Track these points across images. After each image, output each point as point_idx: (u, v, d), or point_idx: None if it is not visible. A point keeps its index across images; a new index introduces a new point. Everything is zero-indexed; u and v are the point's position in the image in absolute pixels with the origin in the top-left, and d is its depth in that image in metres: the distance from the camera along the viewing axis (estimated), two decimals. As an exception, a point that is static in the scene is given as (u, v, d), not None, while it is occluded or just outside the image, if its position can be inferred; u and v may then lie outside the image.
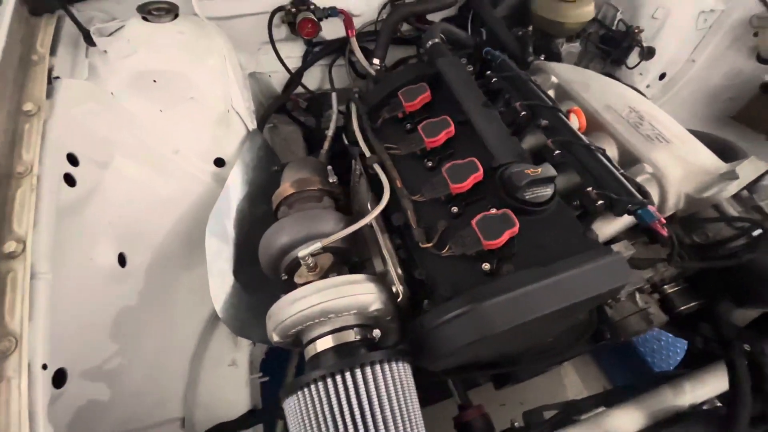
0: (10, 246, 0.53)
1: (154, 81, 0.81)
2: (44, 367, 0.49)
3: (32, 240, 0.54)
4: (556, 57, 1.08)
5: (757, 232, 0.65)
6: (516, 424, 0.85)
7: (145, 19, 0.83)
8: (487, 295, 0.54)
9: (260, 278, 0.79)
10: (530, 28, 1.03)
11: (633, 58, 1.20)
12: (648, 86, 1.27)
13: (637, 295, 0.74)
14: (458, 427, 0.92)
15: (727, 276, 0.75)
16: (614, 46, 1.22)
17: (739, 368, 0.71)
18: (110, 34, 0.82)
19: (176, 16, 0.85)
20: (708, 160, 0.72)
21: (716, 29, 1.19)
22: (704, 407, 0.85)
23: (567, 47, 1.09)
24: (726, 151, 0.85)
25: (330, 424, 0.51)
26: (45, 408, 0.47)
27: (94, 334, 0.68)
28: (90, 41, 0.79)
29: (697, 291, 0.80)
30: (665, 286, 0.80)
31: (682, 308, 0.77)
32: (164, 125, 0.84)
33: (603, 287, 0.55)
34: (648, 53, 1.20)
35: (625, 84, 1.22)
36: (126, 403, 0.68)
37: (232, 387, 0.84)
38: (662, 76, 1.28)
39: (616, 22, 1.23)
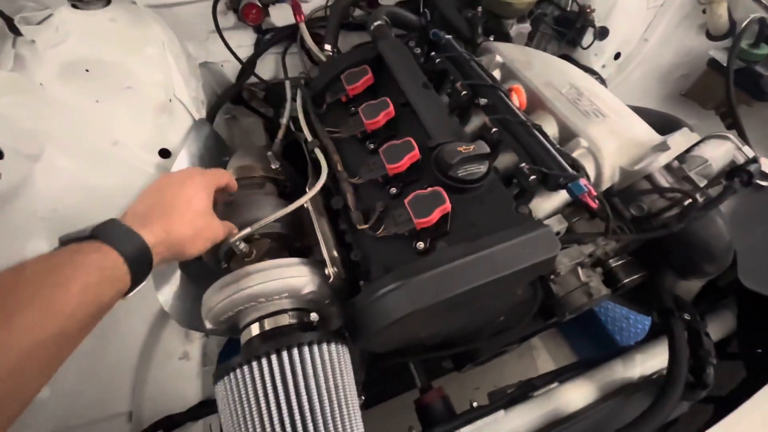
0: None
1: (87, 70, 0.79)
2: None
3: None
4: (506, 38, 1.07)
5: (687, 202, 0.66)
6: (475, 404, 0.86)
7: (74, 6, 0.80)
8: (415, 271, 0.54)
9: (207, 269, 0.78)
10: (479, 9, 1.02)
11: (587, 38, 1.21)
12: (603, 66, 1.28)
13: (579, 270, 0.74)
14: (418, 409, 0.93)
15: (664, 247, 0.76)
16: (568, 27, 1.22)
17: (677, 336, 0.73)
18: (39, 23, 0.80)
19: (108, 2, 0.83)
20: (643, 133, 0.73)
21: (667, 7, 1.20)
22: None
23: (517, 28, 1.09)
24: (672, 126, 0.86)
25: (255, 408, 0.50)
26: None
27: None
28: (15, 30, 0.76)
29: (641, 264, 0.81)
30: (610, 261, 0.81)
31: (626, 281, 0.78)
32: (101, 116, 0.81)
33: (530, 259, 0.55)
34: (601, 33, 1.21)
35: (579, 64, 1.24)
36: (63, 400, 0.67)
37: (183, 380, 0.83)
38: (617, 56, 1.28)
39: (570, 3, 1.23)
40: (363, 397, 0.73)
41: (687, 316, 0.76)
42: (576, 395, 0.84)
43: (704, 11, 1.14)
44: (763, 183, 0.85)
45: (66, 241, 0.45)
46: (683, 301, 0.80)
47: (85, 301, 0.38)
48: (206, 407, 0.80)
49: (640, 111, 0.94)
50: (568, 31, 1.23)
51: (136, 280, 0.46)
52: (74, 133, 0.78)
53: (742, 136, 0.95)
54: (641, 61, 1.27)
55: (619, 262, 0.80)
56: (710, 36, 1.13)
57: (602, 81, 1.27)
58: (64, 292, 0.37)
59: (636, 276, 0.79)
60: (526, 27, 1.11)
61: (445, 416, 0.87)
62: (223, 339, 0.97)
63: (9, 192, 0.68)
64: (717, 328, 0.94)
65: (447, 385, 0.96)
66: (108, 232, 0.44)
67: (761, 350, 0.88)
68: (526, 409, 0.82)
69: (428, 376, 0.98)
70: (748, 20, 0.97)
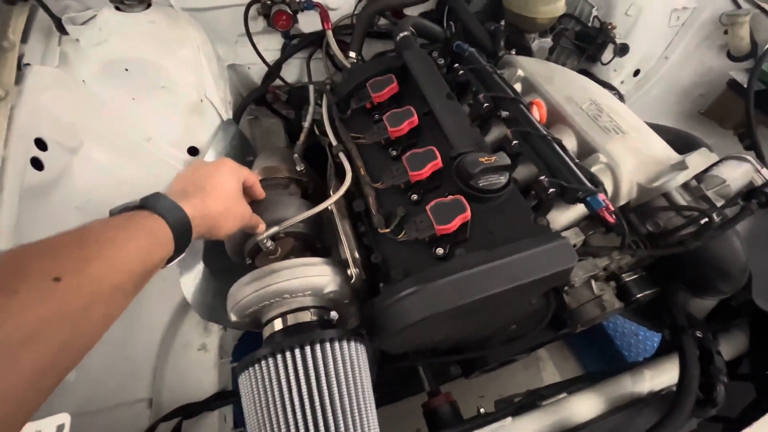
0: (-28, 225, 0.55)
1: (126, 69, 0.83)
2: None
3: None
4: (527, 51, 1.09)
5: (703, 221, 0.67)
6: (482, 410, 0.87)
7: (117, 8, 0.84)
8: (433, 276, 0.56)
9: (229, 264, 0.81)
10: (502, 23, 1.05)
11: (607, 54, 1.22)
12: (622, 82, 1.29)
13: (593, 283, 0.76)
14: (426, 413, 0.94)
15: (679, 265, 0.77)
16: (589, 43, 1.24)
17: (689, 353, 0.74)
18: (83, 23, 0.84)
19: (149, 5, 0.87)
20: (661, 151, 0.74)
21: (688, 27, 1.21)
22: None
23: (539, 42, 1.11)
24: (689, 145, 0.87)
25: (278, 400, 0.53)
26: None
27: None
28: (62, 29, 0.80)
29: (654, 280, 0.82)
30: (623, 275, 0.82)
31: (639, 296, 0.79)
32: (136, 113, 0.85)
33: (546, 270, 0.57)
34: (621, 50, 1.22)
35: (598, 79, 1.25)
36: (87, 384, 0.70)
37: (200, 370, 0.85)
38: (636, 73, 1.29)
39: (591, 19, 1.25)
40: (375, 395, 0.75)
41: (699, 334, 0.77)
42: (584, 407, 0.85)
43: (726, 32, 1.14)
44: (781, 205, 0.86)
45: (117, 211, 0.49)
46: (695, 319, 0.81)
47: (139, 260, 0.42)
48: (221, 398, 0.82)
49: (658, 128, 0.95)
50: (588, 47, 1.25)
51: (179, 249, 0.49)
52: (111, 129, 0.82)
53: (760, 157, 0.96)
54: (660, 79, 1.28)
55: (633, 277, 0.81)
56: (731, 57, 1.14)
57: (620, 97, 1.28)
58: (124, 249, 0.40)
59: (649, 291, 0.79)
60: (548, 41, 1.13)
61: (453, 421, 0.88)
62: (239, 333, 1.00)
63: (50, 182, 0.72)
64: (728, 347, 0.94)
65: (451, 391, 0.97)
66: (156, 203, 0.48)
67: (773, 372, 0.88)
68: (533, 418, 0.83)
69: (436, 381, 1.00)
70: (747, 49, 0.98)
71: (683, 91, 1.26)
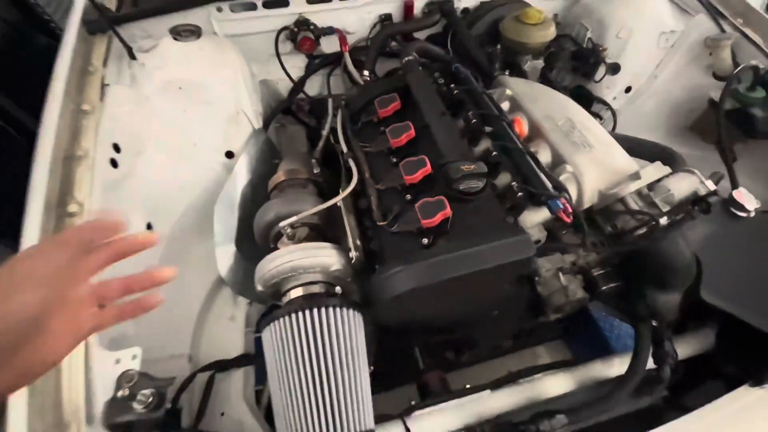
0: (73, 207, 0.74)
1: (180, 88, 1.02)
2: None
3: (88, 204, 0.75)
4: (521, 72, 1.22)
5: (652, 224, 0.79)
6: (468, 386, 1.01)
7: (175, 38, 1.04)
8: (416, 259, 0.71)
9: (256, 248, 0.99)
10: (498, 46, 1.18)
11: (600, 72, 1.34)
12: (615, 98, 1.39)
13: (561, 275, 0.88)
14: (419, 386, 1.09)
15: (639, 262, 0.88)
16: (583, 62, 1.36)
17: (642, 337, 0.85)
18: (147, 51, 1.04)
19: (199, 36, 1.06)
20: (623, 163, 0.87)
21: (676, 48, 1.30)
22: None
23: (531, 64, 1.24)
24: (667, 157, 0.99)
25: (291, 349, 0.69)
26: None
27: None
28: (132, 56, 1.00)
29: (620, 276, 0.94)
30: (592, 270, 0.94)
31: (603, 288, 0.91)
32: (186, 123, 1.04)
33: (506, 258, 0.71)
34: (613, 69, 1.34)
35: (592, 95, 1.37)
36: (143, 339, 0.87)
37: (230, 336, 1.03)
38: (628, 89, 1.40)
39: (586, 41, 1.36)
40: (372, 367, 0.91)
41: (654, 323, 0.88)
42: (554, 386, 0.97)
43: (711, 54, 1.24)
44: (740, 213, 0.96)
45: None
46: (656, 311, 0.92)
47: None
48: (246, 359, 0.99)
49: (642, 142, 1.07)
50: (582, 66, 1.36)
51: None
52: (166, 136, 1.02)
53: (728, 168, 1.05)
54: (651, 95, 1.37)
55: (600, 272, 0.93)
56: (716, 76, 1.23)
57: (613, 112, 1.39)
58: None
59: (612, 285, 0.91)
60: (540, 63, 1.26)
61: (441, 392, 1.02)
62: (261, 308, 1.17)
63: (121, 178, 0.91)
64: (697, 342, 1.04)
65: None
66: None
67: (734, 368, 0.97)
68: (509, 392, 0.96)
69: (431, 362, 1.14)
70: (740, 67, 1.07)
71: (673, 107, 1.35)
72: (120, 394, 0.61)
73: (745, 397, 0.86)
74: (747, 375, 0.89)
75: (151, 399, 0.61)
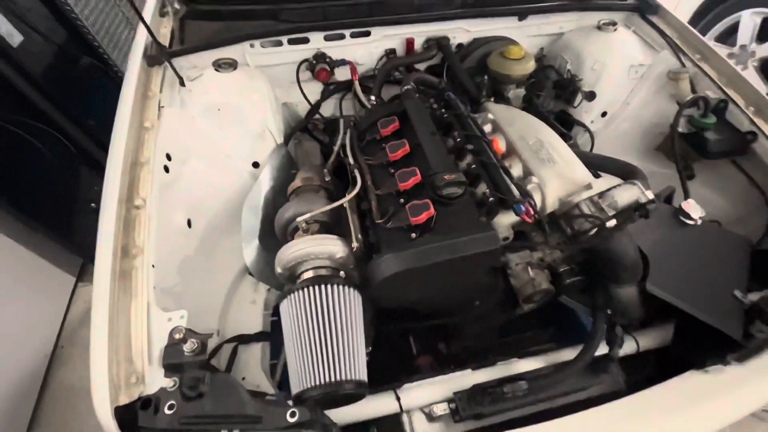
0: (138, 201, 0.95)
1: (218, 110, 1.25)
2: (153, 266, 0.89)
3: (149, 200, 0.96)
4: (505, 99, 1.42)
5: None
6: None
7: (216, 69, 1.27)
8: (402, 248, 0.90)
9: (276, 243, 1.18)
10: (486, 77, 1.39)
11: (577, 99, 1.52)
12: (592, 122, 1.57)
13: (529, 269, 1.05)
14: (412, 369, 1.25)
15: (597, 260, 1.04)
16: (564, 89, 1.55)
17: (598, 321, 1.01)
18: (193, 79, 1.27)
19: (235, 68, 1.30)
20: (581, 175, 1.04)
21: (645, 79, 1.48)
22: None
23: (514, 92, 1.43)
24: (630, 173, 1.16)
25: (303, 316, 0.86)
26: (152, 288, 0.87)
27: (169, 265, 1.09)
28: (182, 84, 1.24)
29: (584, 272, 1.10)
30: (558, 266, 1.10)
31: (567, 282, 1.07)
32: (222, 138, 1.27)
33: (474, 249, 0.89)
34: (589, 96, 1.52)
35: (570, 118, 1.55)
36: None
37: (250, 317, 1.22)
38: (604, 114, 1.58)
39: (566, 71, 1.56)
40: (370, 348, 1.07)
41: (609, 311, 1.03)
42: (527, 366, 1.12)
43: (673, 84, 1.41)
44: (687, 221, 1.11)
45: None
46: (611, 302, 1.06)
47: None
48: (264, 335, 1.18)
49: (612, 160, 1.24)
50: (563, 93, 1.56)
51: None
52: (206, 148, 1.24)
53: (682, 182, 1.22)
54: (624, 120, 1.55)
55: (565, 268, 1.09)
56: (678, 104, 1.40)
57: (591, 134, 1.57)
58: None
59: (575, 279, 1.07)
60: (521, 91, 1.45)
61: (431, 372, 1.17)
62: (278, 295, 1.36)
63: (171, 181, 1.13)
64: (659, 336, 1.18)
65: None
66: None
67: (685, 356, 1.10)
68: (488, 371, 1.11)
69: (423, 351, 1.30)
70: (690, 97, 1.25)
71: (643, 130, 1.53)
72: (175, 336, 0.79)
73: (690, 379, 1.01)
74: (694, 361, 1.04)
75: (196, 346, 0.80)
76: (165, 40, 1.35)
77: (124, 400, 0.74)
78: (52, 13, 2.14)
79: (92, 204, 2.16)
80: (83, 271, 2.33)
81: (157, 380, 0.77)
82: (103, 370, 0.74)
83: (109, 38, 2.53)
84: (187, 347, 0.79)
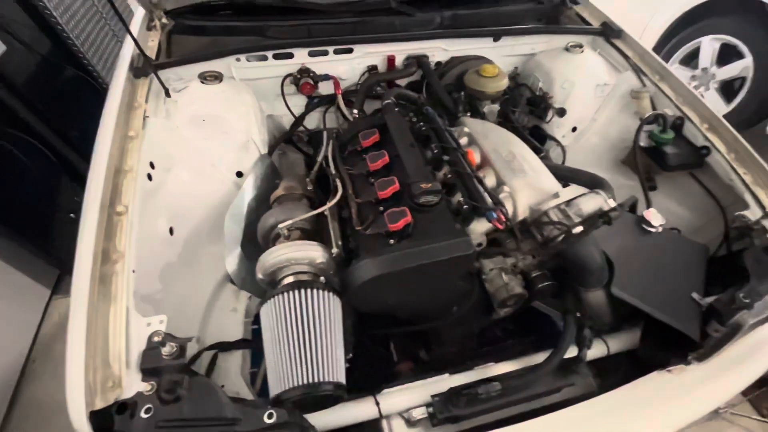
0: (120, 207, 0.96)
1: (203, 120, 1.28)
2: (133, 272, 0.90)
3: (131, 207, 0.98)
4: (480, 114, 1.50)
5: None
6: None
7: (202, 82, 1.31)
8: (380, 254, 0.93)
9: (258, 251, 1.20)
10: (462, 93, 1.46)
11: (549, 115, 1.61)
12: (563, 136, 1.66)
13: (503, 274, 1.10)
14: (392, 374, 1.27)
15: (567, 265, 1.10)
16: (537, 106, 1.64)
17: (568, 324, 1.05)
18: (179, 91, 1.31)
19: (221, 80, 1.33)
20: (550, 185, 1.10)
21: (611, 97, 1.59)
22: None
23: (489, 107, 1.51)
24: (597, 184, 1.23)
25: (283, 319, 0.88)
26: (131, 293, 0.88)
27: (150, 271, 1.10)
28: (168, 95, 1.27)
29: (555, 277, 1.15)
30: (531, 272, 1.15)
31: (539, 286, 1.12)
32: (206, 148, 1.29)
33: (448, 254, 0.93)
34: (560, 112, 1.61)
35: (542, 133, 1.64)
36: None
37: (231, 325, 1.22)
38: (574, 129, 1.67)
39: (538, 89, 1.65)
40: (351, 355, 1.09)
41: (578, 314, 1.08)
42: (505, 369, 1.15)
43: (636, 102, 1.51)
44: (649, 229, 1.19)
45: None
46: (582, 306, 1.12)
47: None
48: (245, 343, 1.18)
49: (581, 172, 1.31)
50: (536, 109, 1.65)
51: None
52: (190, 157, 1.26)
53: (644, 192, 1.30)
54: (593, 134, 1.65)
55: (537, 273, 1.14)
56: (641, 120, 1.50)
57: (562, 147, 1.65)
58: None
59: (547, 283, 1.12)
60: (496, 107, 1.53)
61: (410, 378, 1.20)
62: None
63: (154, 189, 1.14)
64: (625, 340, 1.23)
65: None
66: None
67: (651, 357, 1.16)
68: (465, 375, 1.14)
69: (404, 357, 1.32)
70: (648, 114, 1.35)
71: (611, 144, 1.62)
72: (154, 339, 0.80)
73: (655, 379, 1.06)
74: (658, 361, 1.09)
75: (175, 350, 0.80)
76: (152, 53, 1.39)
77: (99, 404, 0.74)
78: (37, 23, 2.15)
79: (71, 215, 2.14)
80: (59, 284, 2.28)
81: (134, 384, 0.78)
82: (79, 374, 0.74)
83: (95, 49, 2.54)
84: (166, 351, 0.80)
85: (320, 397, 0.83)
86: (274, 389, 0.83)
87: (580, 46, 1.62)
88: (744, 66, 2.74)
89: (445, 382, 1.12)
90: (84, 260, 0.86)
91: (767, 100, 2.69)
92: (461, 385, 1.03)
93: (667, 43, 3.19)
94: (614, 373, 1.24)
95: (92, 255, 0.86)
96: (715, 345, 1.00)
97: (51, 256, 2.09)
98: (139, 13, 1.52)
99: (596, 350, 1.16)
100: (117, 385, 0.76)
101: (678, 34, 3.11)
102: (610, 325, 1.21)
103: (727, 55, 2.85)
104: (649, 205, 1.27)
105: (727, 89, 2.92)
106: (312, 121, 1.71)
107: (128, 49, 1.32)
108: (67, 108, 2.26)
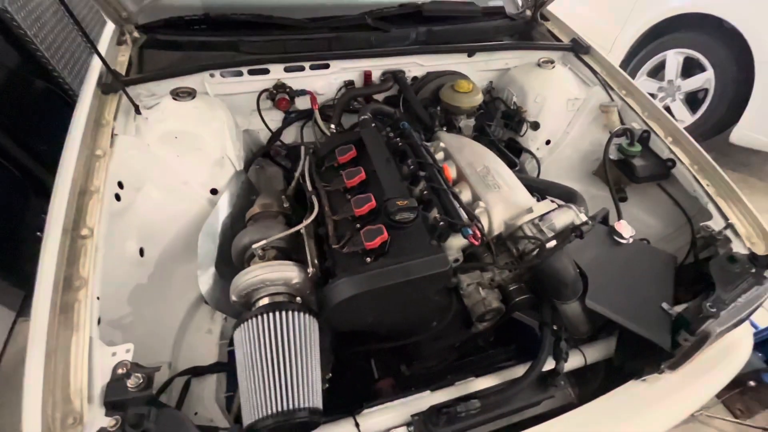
0: (85, 231, 0.92)
1: (176, 137, 1.25)
2: (98, 298, 0.86)
3: (96, 230, 0.94)
4: (456, 128, 1.52)
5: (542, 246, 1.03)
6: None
7: (174, 98, 1.28)
8: (357, 272, 0.92)
9: (233, 271, 1.17)
10: (438, 108, 1.48)
11: (523, 129, 1.65)
12: (537, 149, 1.70)
13: (480, 288, 1.10)
14: (373, 392, 1.25)
15: (542, 278, 1.11)
16: (511, 119, 1.67)
17: (545, 336, 1.06)
18: (150, 107, 1.27)
19: (194, 96, 1.31)
20: (523, 199, 1.12)
21: (581, 111, 1.64)
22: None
23: (465, 122, 1.54)
24: (570, 196, 1.26)
25: (257, 342, 0.86)
26: (96, 321, 0.84)
27: (118, 296, 1.06)
28: (138, 111, 1.24)
29: (531, 290, 1.16)
30: (508, 286, 1.16)
31: (516, 300, 1.13)
32: (179, 165, 1.26)
33: (425, 272, 0.93)
34: (534, 126, 1.65)
35: (517, 145, 1.67)
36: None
37: (206, 347, 1.19)
38: (548, 142, 1.71)
39: (512, 103, 1.69)
40: (330, 375, 1.07)
41: (555, 327, 1.09)
42: (486, 383, 1.15)
43: (604, 116, 1.57)
44: (620, 240, 1.22)
45: None
46: (557, 319, 1.13)
47: None
48: (220, 366, 1.15)
49: (554, 185, 1.34)
50: (511, 122, 1.68)
51: None
52: (162, 175, 1.23)
53: (615, 204, 1.34)
54: (566, 147, 1.69)
55: (514, 287, 1.15)
56: (610, 133, 1.55)
57: (537, 160, 1.69)
58: None
59: (524, 297, 1.13)
60: (471, 121, 1.56)
61: (390, 395, 1.18)
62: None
63: (123, 210, 1.10)
64: (601, 350, 1.25)
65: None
66: None
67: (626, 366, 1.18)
68: (446, 391, 1.13)
69: (385, 374, 1.31)
70: (616, 129, 1.39)
71: (583, 156, 1.67)
72: (119, 371, 0.77)
73: (631, 389, 1.08)
74: (633, 371, 1.11)
75: (141, 381, 0.77)
76: (122, 68, 1.35)
77: (58, 443, 0.70)
78: (3, 34, 2.07)
79: (38, 233, 2.05)
80: (25, 305, 2.17)
81: (97, 420, 0.74)
82: (36, 411, 0.70)
83: (66, 61, 2.47)
84: (131, 382, 0.77)
85: (296, 424, 0.81)
86: (248, 418, 0.80)
87: (552, 62, 1.67)
88: (706, 78, 2.88)
89: (425, 399, 1.11)
90: (44, 288, 0.82)
91: (729, 109, 2.83)
92: (441, 403, 1.02)
93: (635, 56, 3.33)
94: (593, 382, 1.27)
95: (53, 282, 0.82)
96: (686, 353, 1.02)
97: (16, 276, 1.99)
98: (109, 27, 1.49)
99: (574, 361, 1.18)
100: (78, 422, 0.72)
101: (645, 47, 3.26)
102: (587, 335, 1.23)
103: (690, 67, 3.00)
104: (620, 217, 1.31)
105: (692, 100, 3.06)
106: (289, 136, 1.70)
107: (96, 64, 1.29)
108: (36, 122, 2.18)
